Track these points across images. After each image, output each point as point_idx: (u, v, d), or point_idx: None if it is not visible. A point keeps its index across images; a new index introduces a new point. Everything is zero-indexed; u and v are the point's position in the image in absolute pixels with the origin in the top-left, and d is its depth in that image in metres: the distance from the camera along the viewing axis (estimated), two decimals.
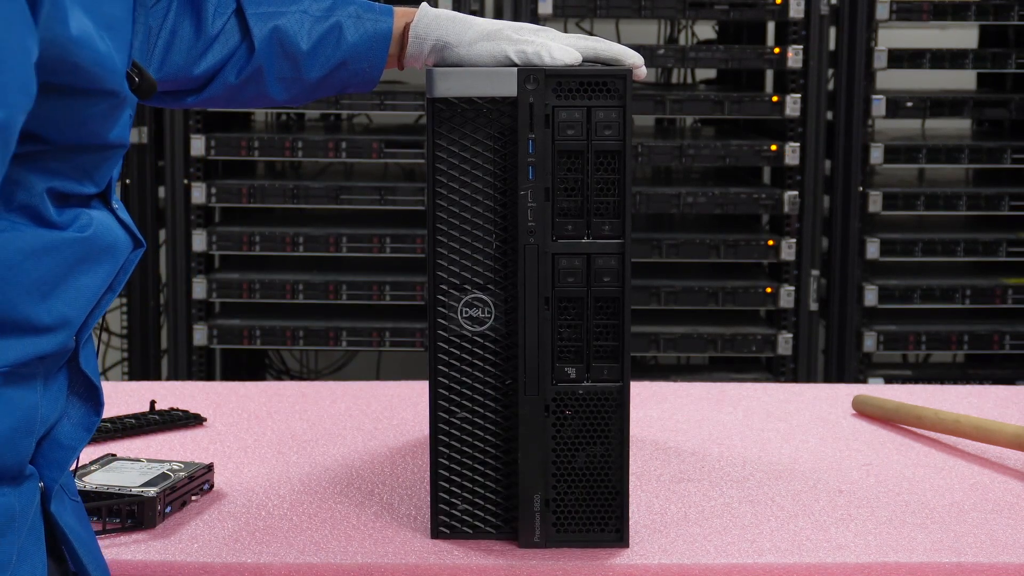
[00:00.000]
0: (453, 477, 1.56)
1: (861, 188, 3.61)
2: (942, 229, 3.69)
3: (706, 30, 4.06)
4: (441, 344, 1.53)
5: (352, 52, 1.57)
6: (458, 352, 1.53)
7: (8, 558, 1.22)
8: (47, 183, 1.22)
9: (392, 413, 2.04)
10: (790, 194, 3.56)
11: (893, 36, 3.75)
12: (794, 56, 3.53)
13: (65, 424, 1.31)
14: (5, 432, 1.22)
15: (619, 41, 1.70)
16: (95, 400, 1.33)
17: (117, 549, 1.53)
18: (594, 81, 1.48)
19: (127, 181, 3.64)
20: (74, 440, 1.32)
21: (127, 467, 1.70)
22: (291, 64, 1.56)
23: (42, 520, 1.29)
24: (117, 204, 1.33)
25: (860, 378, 3.65)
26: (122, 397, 2.07)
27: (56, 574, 1.31)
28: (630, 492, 1.59)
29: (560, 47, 1.51)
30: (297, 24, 1.55)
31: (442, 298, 1.53)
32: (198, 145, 3.54)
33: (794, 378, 3.63)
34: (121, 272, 1.32)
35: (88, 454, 1.75)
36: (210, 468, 1.71)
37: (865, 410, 2.06)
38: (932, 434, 1.97)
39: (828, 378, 3.70)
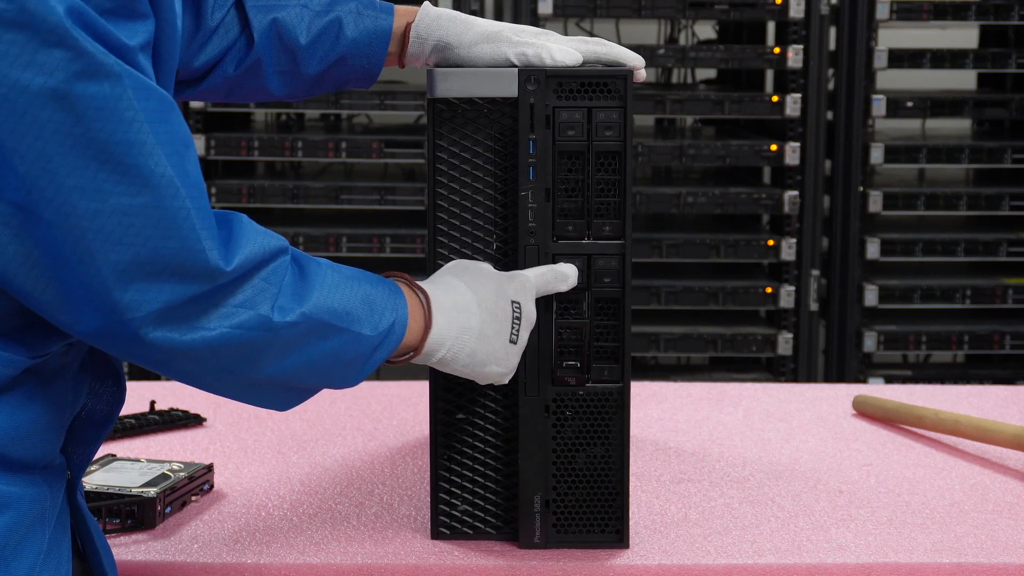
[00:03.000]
0: (453, 477, 1.56)
1: (861, 188, 3.61)
2: (942, 229, 3.69)
3: (706, 30, 4.06)
4: None
5: (351, 48, 1.57)
6: None
7: (40, 548, 1.24)
8: None
9: (392, 413, 2.04)
10: (790, 194, 3.56)
11: (893, 36, 3.75)
12: (794, 56, 3.53)
13: (93, 403, 1.34)
14: (39, 421, 1.24)
15: (619, 41, 1.70)
16: (115, 377, 1.36)
17: (117, 549, 1.53)
18: (595, 82, 1.48)
19: None
20: (103, 417, 1.35)
21: (127, 467, 1.70)
22: (290, 58, 1.57)
23: (68, 511, 1.30)
24: None
25: (860, 378, 3.65)
26: None
27: (75, 567, 1.33)
28: (630, 492, 1.59)
29: (561, 48, 1.51)
30: (296, 18, 1.56)
31: None
32: (198, 145, 3.54)
33: (794, 378, 3.63)
34: None
35: None
36: (210, 468, 1.71)
37: (865, 410, 2.06)
38: (932, 434, 1.97)
39: (828, 378, 3.70)
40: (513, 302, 1.43)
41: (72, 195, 1.13)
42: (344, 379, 1.34)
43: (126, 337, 1.18)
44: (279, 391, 1.30)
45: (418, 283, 1.41)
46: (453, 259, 1.52)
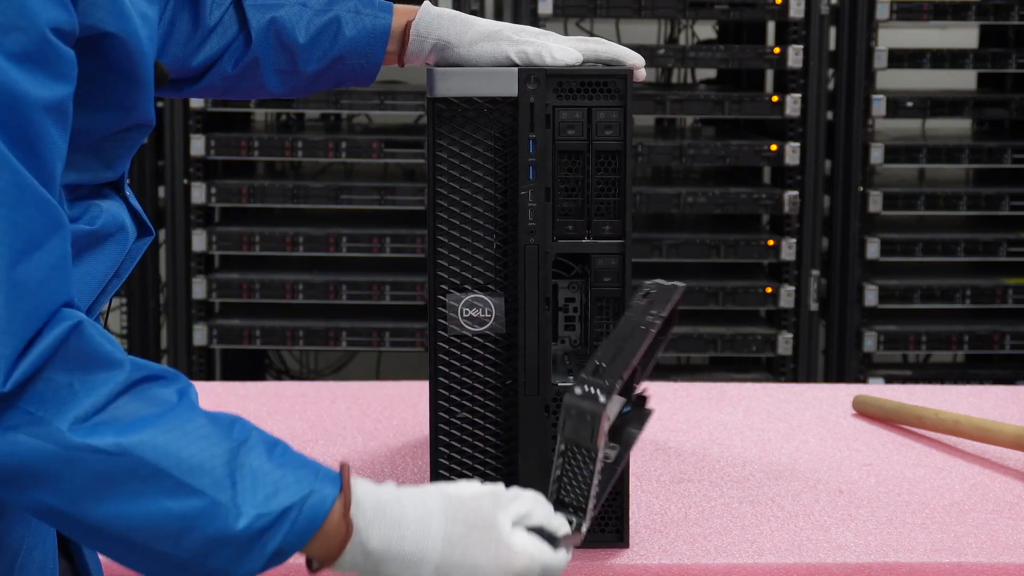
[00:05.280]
0: (453, 477, 1.56)
1: (861, 188, 3.61)
2: (942, 229, 3.69)
3: (706, 30, 4.06)
4: (441, 344, 1.53)
5: (349, 47, 1.57)
6: (458, 352, 1.53)
7: (29, 544, 1.23)
8: (65, 179, 1.22)
9: (392, 413, 2.04)
10: (790, 194, 3.56)
11: (893, 36, 3.75)
12: (794, 56, 3.53)
13: None
14: None
15: (619, 41, 1.70)
16: None
17: None
18: (595, 81, 1.48)
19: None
20: None
21: None
22: (288, 56, 1.57)
23: None
24: (129, 192, 1.36)
25: (860, 378, 3.65)
26: None
27: (63, 566, 1.32)
28: (630, 492, 1.59)
29: (561, 47, 1.51)
30: (295, 17, 1.56)
31: (442, 298, 1.53)
32: (198, 145, 3.54)
33: (794, 378, 3.63)
34: (127, 259, 1.34)
35: None
36: None
37: (865, 410, 2.06)
38: (932, 434, 1.97)
39: (828, 378, 3.70)
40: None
41: None
42: (217, 561, 1.10)
43: None
44: (125, 549, 1.11)
45: (353, 481, 1.14)
46: (453, 258, 1.52)
